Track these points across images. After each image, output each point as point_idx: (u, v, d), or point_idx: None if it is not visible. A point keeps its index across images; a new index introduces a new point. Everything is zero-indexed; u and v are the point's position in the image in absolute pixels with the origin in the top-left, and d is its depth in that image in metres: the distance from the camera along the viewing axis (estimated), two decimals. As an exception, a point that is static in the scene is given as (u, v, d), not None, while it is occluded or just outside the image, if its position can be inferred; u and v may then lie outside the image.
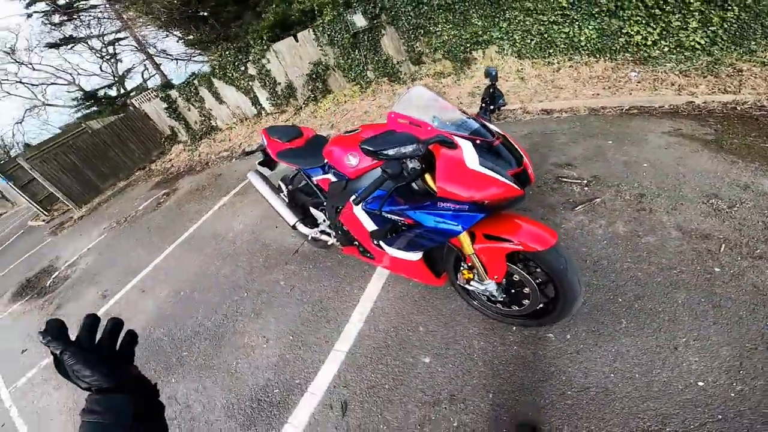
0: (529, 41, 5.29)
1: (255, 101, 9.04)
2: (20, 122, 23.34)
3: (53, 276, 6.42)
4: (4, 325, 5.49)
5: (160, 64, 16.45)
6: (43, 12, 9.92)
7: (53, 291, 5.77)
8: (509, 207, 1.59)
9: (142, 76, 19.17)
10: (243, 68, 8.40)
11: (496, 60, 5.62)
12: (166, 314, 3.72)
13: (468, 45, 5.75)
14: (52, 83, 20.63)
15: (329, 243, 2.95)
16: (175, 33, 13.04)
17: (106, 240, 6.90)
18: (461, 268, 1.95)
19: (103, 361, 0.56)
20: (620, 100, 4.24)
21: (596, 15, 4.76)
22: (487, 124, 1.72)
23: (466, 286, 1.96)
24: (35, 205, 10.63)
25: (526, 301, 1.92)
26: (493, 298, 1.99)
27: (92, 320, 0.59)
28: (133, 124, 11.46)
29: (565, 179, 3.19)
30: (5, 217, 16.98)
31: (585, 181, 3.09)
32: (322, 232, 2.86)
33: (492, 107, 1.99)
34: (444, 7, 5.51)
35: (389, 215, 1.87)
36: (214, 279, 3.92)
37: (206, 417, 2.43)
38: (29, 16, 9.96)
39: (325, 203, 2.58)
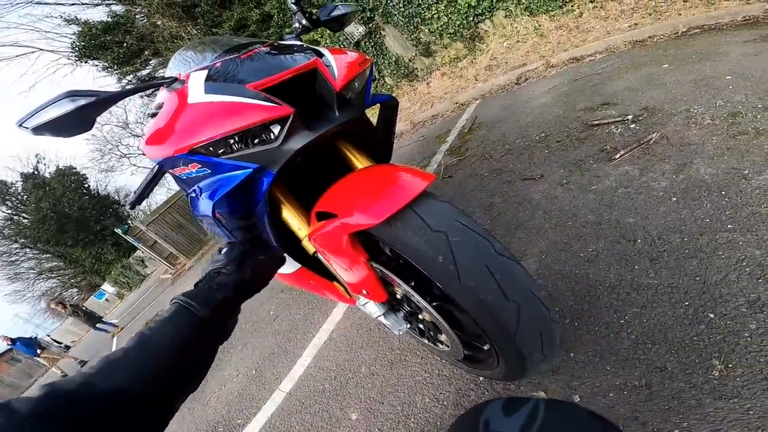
0: (532, -7, 3.98)
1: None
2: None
3: (157, 318, 6.92)
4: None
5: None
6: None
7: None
8: (287, 152, 0.76)
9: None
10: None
11: (509, 25, 4.36)
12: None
13: (470, 19, 4.60)
14: (167, 152, 23.28)
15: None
16: None
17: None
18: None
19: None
20: (670, 24, 2.76)
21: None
22: (293, 42, 0.99)
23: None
24: (162, 260, 11.97)
25: (442, 335, 0.91)
26: (394, 331, 0.99)
27: None
28: (223, 181, 12.30)
29: (598, 122, 1.93)
30: (155, 274, 19.91)
31: (630, 117, 1.80)
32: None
33: (305, 22, 1.12)
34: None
35: None
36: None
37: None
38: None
39: None
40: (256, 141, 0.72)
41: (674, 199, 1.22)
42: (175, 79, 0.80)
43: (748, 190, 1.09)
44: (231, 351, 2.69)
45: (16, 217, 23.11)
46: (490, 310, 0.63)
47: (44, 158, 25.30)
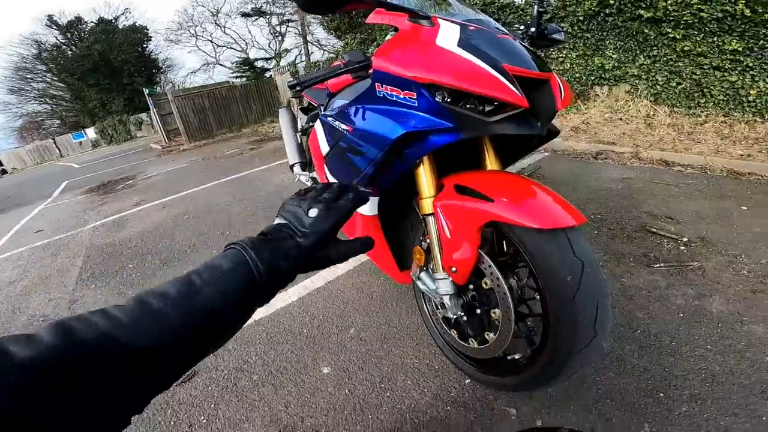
0: (674, 85, 4.25)
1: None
2: (194, 72, 29.66)
3: (126, 183, 7.31)
4: (55, 207, 6.56)
5: (312, 53, 18.78)
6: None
7: (113, 193, 6.63)
8: (491, 130, 0.94)
9: (295, 60, 21.37)
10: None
11: (624, 100, 4.66)
12: (158, 230, 3.89)
13: (591, 78, 4.91)
14: (230, 47, 25.63)
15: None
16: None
17: (184, 169, 7.60)
18: (416, 243, 1.30)
19: None
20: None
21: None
22: (528, 46, 1.17)
23: (418, 279, 1.29)
24: (162, 131, 12.58)
25: (490, 335, 1.14)
26: (449, 313, 1.21)
27: None
28: (262, 91, 13.49)
29: (655, 230, 2.23)
30: (145, 139, 20.57)
31: (684, 240, 2.11)
32: (312, 178, 2.45)
33: (534, 30, 1.33)
34: (573, 34, 4.81)
35: (334, 121, 1.35)
36: (219, 214, 3.97)
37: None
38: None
39: None
40: (468, 106, 0.93)
41: (681, 315, 1.56)
42: (426, 17, 1.00)
43: (737, 330, 1.46)
44: (201, 253, 3.01)
45: (64, 47, 25.64)
46: (578, 332, 0.91)
47: (130, 12, 27.80)
